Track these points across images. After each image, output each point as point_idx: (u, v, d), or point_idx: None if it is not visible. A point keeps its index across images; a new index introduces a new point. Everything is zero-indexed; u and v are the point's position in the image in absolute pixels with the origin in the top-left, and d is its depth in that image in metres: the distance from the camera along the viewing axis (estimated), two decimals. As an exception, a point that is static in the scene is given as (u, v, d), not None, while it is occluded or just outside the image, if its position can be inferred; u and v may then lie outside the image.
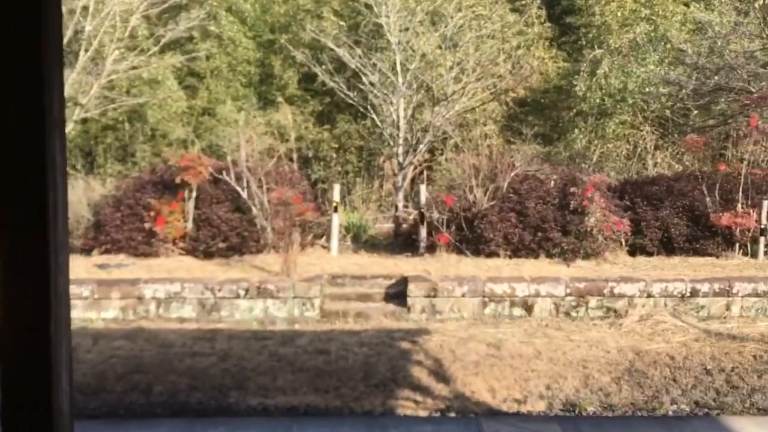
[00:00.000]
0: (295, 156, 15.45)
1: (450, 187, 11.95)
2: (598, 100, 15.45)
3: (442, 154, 14.78)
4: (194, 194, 10.83)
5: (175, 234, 10.59)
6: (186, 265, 10.17)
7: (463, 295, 9.02)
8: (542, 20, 17.17)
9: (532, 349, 7.68)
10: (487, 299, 9.05)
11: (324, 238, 11.61)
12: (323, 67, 13.91)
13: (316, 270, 9.80)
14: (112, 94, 14.25)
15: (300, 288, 9.00)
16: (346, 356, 7.37)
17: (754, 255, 10.62)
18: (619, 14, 16.26)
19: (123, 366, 7.08)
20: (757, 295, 9.06)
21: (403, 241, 11.73)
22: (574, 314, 9.03)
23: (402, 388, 6.64)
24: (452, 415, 6.28)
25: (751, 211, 10.68)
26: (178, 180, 10.68)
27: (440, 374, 6.99)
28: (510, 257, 10.54)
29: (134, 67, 14.00)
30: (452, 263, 10.23)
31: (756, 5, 12.52)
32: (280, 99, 16.21)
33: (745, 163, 11.10)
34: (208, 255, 10.61)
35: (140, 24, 14.60)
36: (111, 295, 8.91)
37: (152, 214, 10.56)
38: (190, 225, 10.73)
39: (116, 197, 11.25)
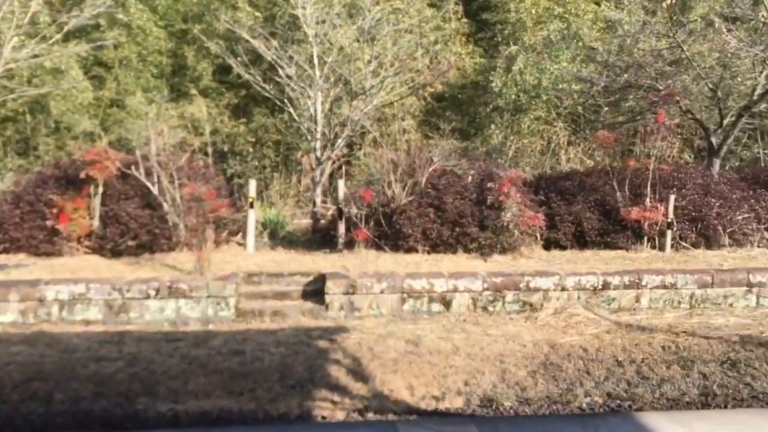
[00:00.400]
0: (210, 150, 15.03)
1: (368, 183, 11.86)
2: (513, 96, 15.69)
3: (360, 149, 14.67)
4: (101, 190, 10.32)
5: (80, 232, 10.06)
6: (92, 265, 9.68)
7: (382, 292, 8.94)
8: (459, 16, 17.30)
9: (450, 344, 7.66)
10: (405, 295, 8.99)
11: (240, 234, 11.31)
12: (238, 59, 13.53)
13: (231, 268, 9.50)
14: (11, 83, 13.46)
15: (214, 287, 8.70)
16: (261, 357, 7.16)
17: (662, 248, 10.99)
18: (533, 12, 16.55)
19: (21, 373, 6.64)
20: (664, 286, 9.36)
21: (321, 238, 11.55)
22: (491, 309, 9.10)
23: (319, 389, 6.49)
24: (370, 417, 6.17)
25: (659, 205, 11.03)
26: (83, 175, 10.16)
27: (358, 373, 6.87)
28: (429, 252, 10.53)
29: (36, 56, 13.24)
30: (371, 259, 10.13)
31: (663, 5, 12.95)
32: (193, 91, 15.74)
33: (653, 158, 11.45)
34: (116, 254, 10.14)
35: (41, 10, 13.84)
36: (9, 298, 8.37)
37: (54, 211, 10.01)
38: (96, 222, 10.22)
39: (15, 193, 10.61)
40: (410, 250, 10.52)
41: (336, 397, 6.38)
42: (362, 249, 10.55)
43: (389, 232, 10.68)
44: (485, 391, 6.66)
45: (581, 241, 11.26)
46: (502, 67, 15.92)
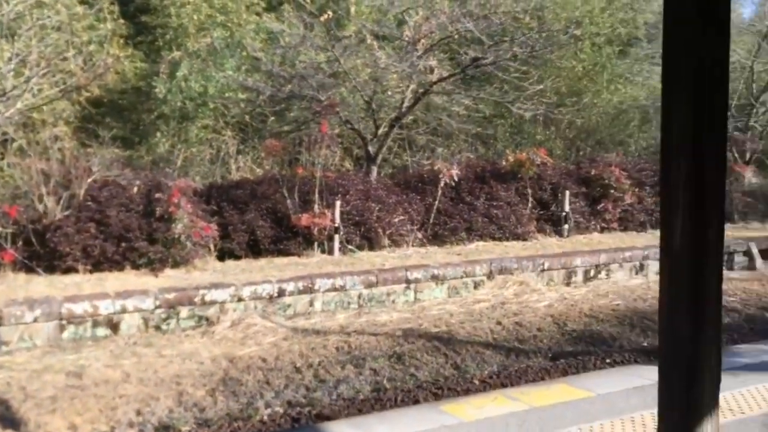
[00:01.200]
0: None
1: (15, 197, 10.40)
2: (179, 104, 15.12)
3: (3, 158, 12.86)
4: None
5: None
6: None
7: (36, 320, 7.85)
8: (116, 16, 16.17)
9: (119, 372, 6.99)
10: (65, 322, 8.02)
11: None
12: None
13: None
14: None
15: None
16: None
17: (331, 252, 11.46)
18: (195, 18, 16.14)
19: None
20: (335, 289, 9.73)
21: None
22: (165, 327, 8.56)
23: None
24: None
25: (327, 211, 11.49)
26: None
27: (8, 419, 5.89)
28: (91, 272, 9.55)
29: None
30: (20, 284, 8.85)
31: (321, 20, 13.56)
32: None
33: (319, 166, 11.90)
34: None
35: None
36: None
37: None
38: None
39: None
40: (69, 270, 9.45)
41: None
42: (9, 273, 9.20)
43: (42, 252, 9.47)
44: (160, 418, 6.19)
45: (255, 250, 11.23)
46: (166, 73, 15.25)
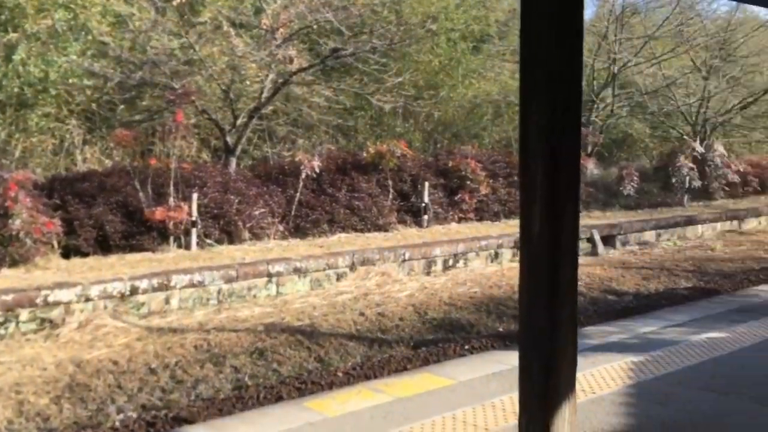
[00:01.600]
0: None
1: None
2: (16, 89, 13.95)
3: None
4: None
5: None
6: None
7: None
8: (-59, -8, 14.66)
9: (-52, 384, 6.33)
10: None
11: None
12: None
13: None
14: None
15: None
16: None
17: (188, 246, 11.01)
18: (34, -3, 14.96)
19: None
20: (193, 285, 9.36)
21: None
22: (2, 332, 7.86)
23: None
24: None
25: (183, 204, 11.03)
26: None
27: None
28: None
29: None
30: None
31: (173, 3, 12.96)
32: None
33: (174, 157, 11.39)
34: None
35: None
36: None
37: None
38: None
39: None
40: None
41: None
42: None
43: None
44: (-2, 431, 5.66)
45: (105, 246, 10.58)
46: (1, 56, 14.01)
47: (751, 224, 18.55)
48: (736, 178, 20.50)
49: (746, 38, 23.29)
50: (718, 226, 17.63)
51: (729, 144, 23.59)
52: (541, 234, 2.64)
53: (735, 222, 18.16)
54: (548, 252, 2.65)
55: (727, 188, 20.57)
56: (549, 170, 2.63)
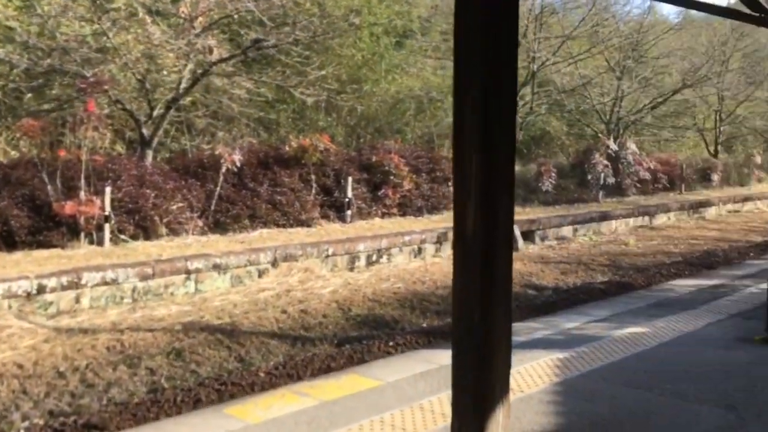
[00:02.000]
0: None
1: None
2: None
3: None
4: None
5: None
6: None
7: None
8: None
9: None
10: None
11: None
12: None
13: None
14: None
15: None
16: None
17: (101, 242, 10.51)
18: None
19: None
20: (106, 283, 8.92)
21: None
22: None
23: None
24: None
25: (95, 198, 10.52)
26: None
27: None
28: None
29: None
30: None
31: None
32: None
33: (86, 149, 10.85)
34: None
35: None
36: None
37: None
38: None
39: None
40: None
41: None
42: None
43: None
44: None
45: (10, 242, 9.99)
46: None
47: (661, 219, 19.27)
48: (647, 176, 21.26)
49: (656, 40, 24.25)
50: (631, 221, 18.24)
51: (640, 142, 24.49)
52: (475, 228, 2.55)
53: (646, 218, 18.83)
54: (483, 246, 2.56)
55: (638, 185, 21.30)
56: (484, 163, 2.54)
